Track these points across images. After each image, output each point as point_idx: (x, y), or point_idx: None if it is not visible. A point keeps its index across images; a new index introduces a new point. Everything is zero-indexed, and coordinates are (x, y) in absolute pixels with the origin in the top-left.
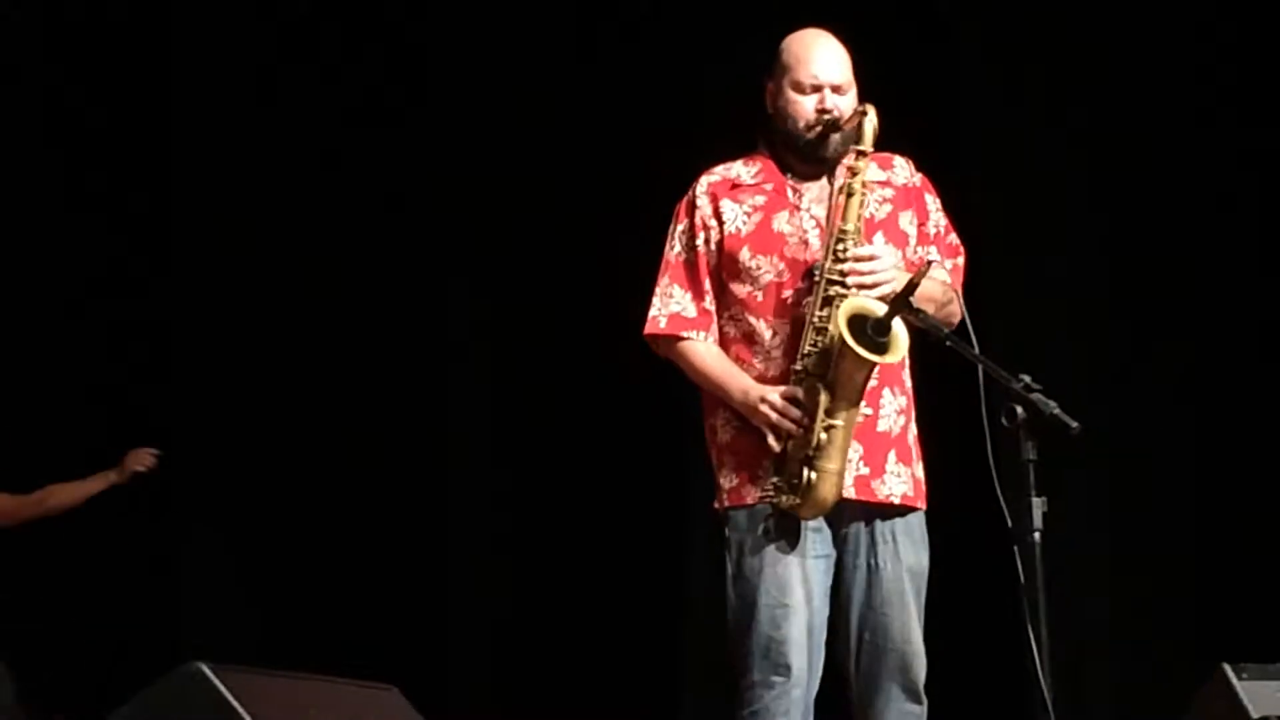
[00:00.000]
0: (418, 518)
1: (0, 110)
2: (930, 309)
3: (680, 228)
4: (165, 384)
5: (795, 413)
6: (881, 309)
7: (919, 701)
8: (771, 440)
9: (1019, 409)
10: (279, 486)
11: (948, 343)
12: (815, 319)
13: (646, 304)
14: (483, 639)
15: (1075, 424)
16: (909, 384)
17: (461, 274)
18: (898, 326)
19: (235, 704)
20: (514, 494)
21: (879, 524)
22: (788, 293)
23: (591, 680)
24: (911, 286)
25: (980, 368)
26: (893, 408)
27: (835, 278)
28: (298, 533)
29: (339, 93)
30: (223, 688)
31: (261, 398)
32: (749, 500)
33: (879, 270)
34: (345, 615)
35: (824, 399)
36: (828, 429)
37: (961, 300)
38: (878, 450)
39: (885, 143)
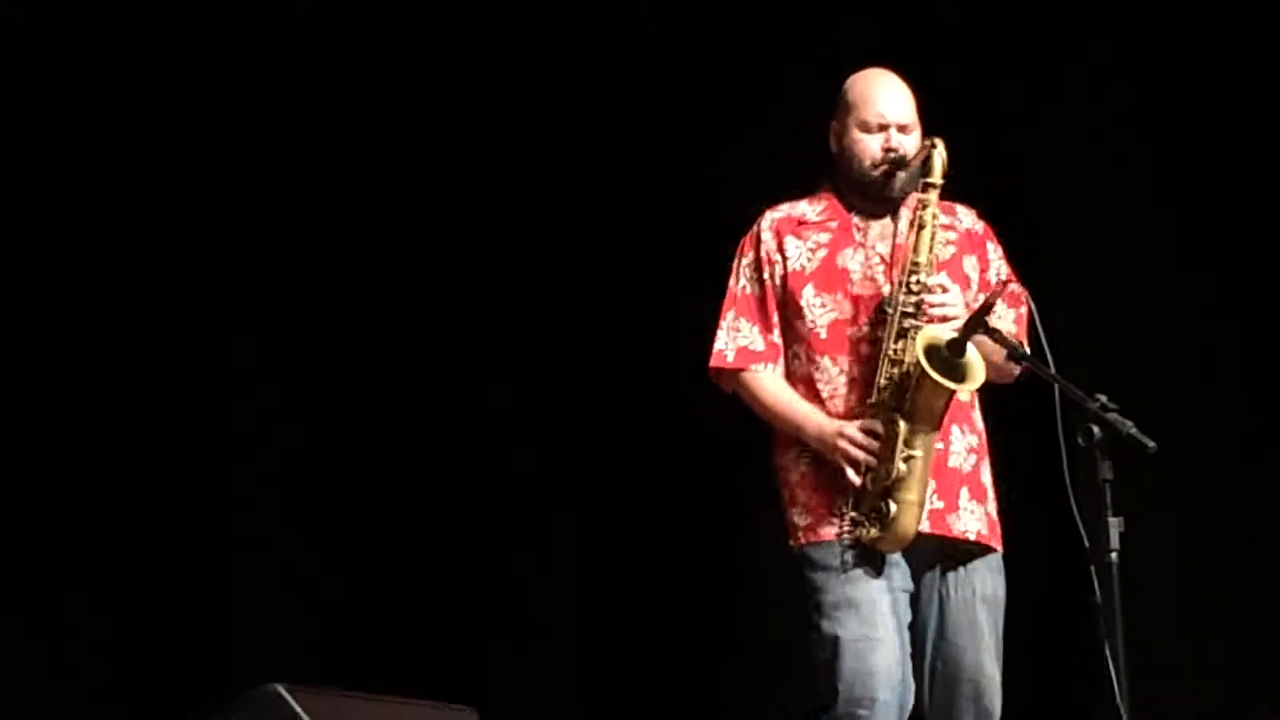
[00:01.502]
0: (495, 538)
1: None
2: (998, 359)
3: (745, 261)
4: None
5: (874, 444)
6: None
7: None
8: (850, 474)
9: (1095, 429)
10: (349, 501)
11: (1024, 361)
12: (891, 351)
13: (710, 339)
14: (563, 662)
15: (1152, 443)
16: (980, 424)
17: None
18: (974, 358)
19: None
20: (589, 516)
21: (953, 557)
22: (852, 330)
23: (667, 707)
24: (987, 306)
25: (1057, 388)
26: (962, 445)
27: (909, 310)
28: (371, 549)
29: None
30: (299, 708)
31: (329, 412)
32: (827, 536)
33: (950, 303)
34: (422, 635)
35: (903, 429)
36: (907, 459)
37: (1029, 346)
38: (951, 486)
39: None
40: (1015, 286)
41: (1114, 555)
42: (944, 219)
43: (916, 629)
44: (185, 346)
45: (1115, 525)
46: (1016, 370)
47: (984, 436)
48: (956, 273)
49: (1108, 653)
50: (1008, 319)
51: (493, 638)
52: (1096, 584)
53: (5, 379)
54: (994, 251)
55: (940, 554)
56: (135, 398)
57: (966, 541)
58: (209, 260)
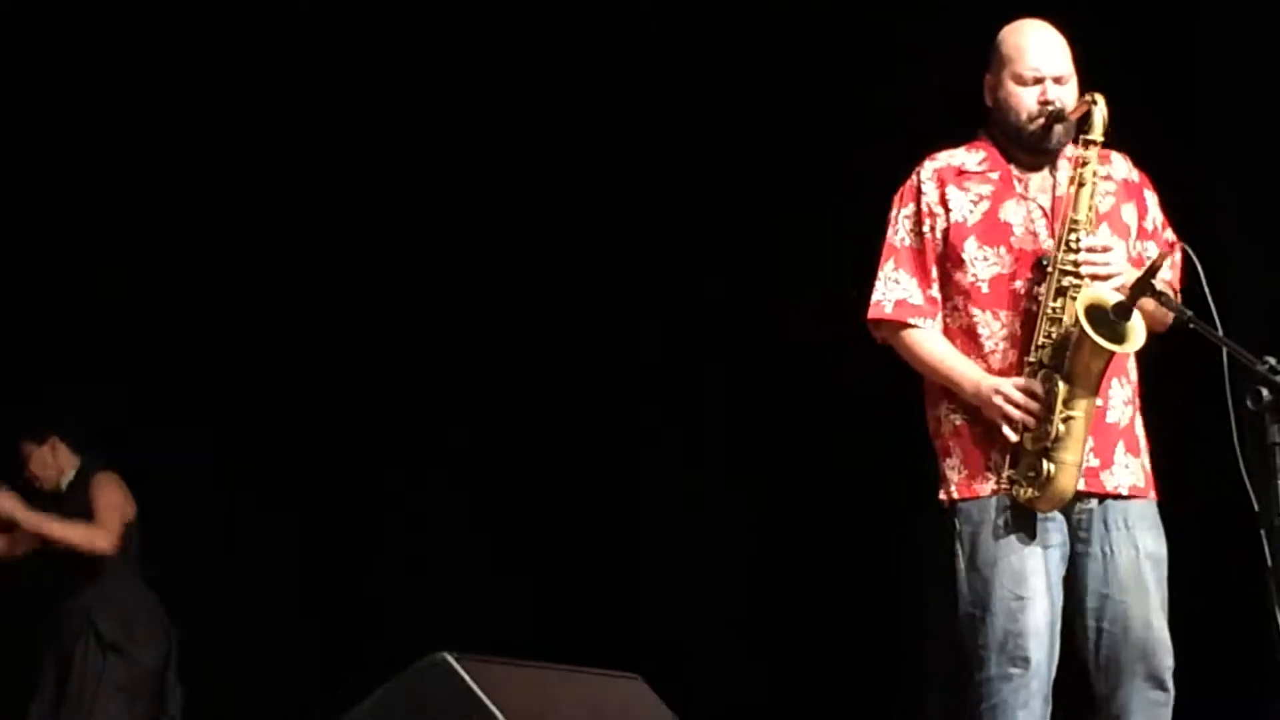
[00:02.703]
0: (664, 511)
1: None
2: (1162, 317)
3: (905, 212)
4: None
5: (1033, 404)
6: (1116, 298)
7: (1164, 689)
8: (1008, 432)
9: (1264, 391)
10: (521, 478)
11: (1191, 325)
12: (1049, 310)
13: (868, 288)
14: (727, 628)
15: None
16: (1134, 374)
17: (716, 274)
18: (1135, 318)
19: (481, 694)
20: (753, 491)
21: (1111, 513)
22: (1014, 284)
23: (830, 673)
24: (1153, 269)
25: (1225, 350)
26: (1120, 398)
27: (1068, 268)
28: (543, 523)
29: None
30: (468, 678)
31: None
32: (982, 492)
33: (1113, 261)
34: (592, 605)
35: (1062, 390)
36: (1066, 420)
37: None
38: (1107, 441)
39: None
40: (1169, 234)
41: None
42: (1101, 169)
43: (1078, 587)
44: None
45: None
46: (1171, 318)
47: (1137, 386)
48: (1116, 223)
49: (1278, 617)
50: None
51: (662, 606)
52: (1267, 549)
53: None
54: (1151, 199)
55: (1099, 510)
56: None
57: (1121, 497)
58: None
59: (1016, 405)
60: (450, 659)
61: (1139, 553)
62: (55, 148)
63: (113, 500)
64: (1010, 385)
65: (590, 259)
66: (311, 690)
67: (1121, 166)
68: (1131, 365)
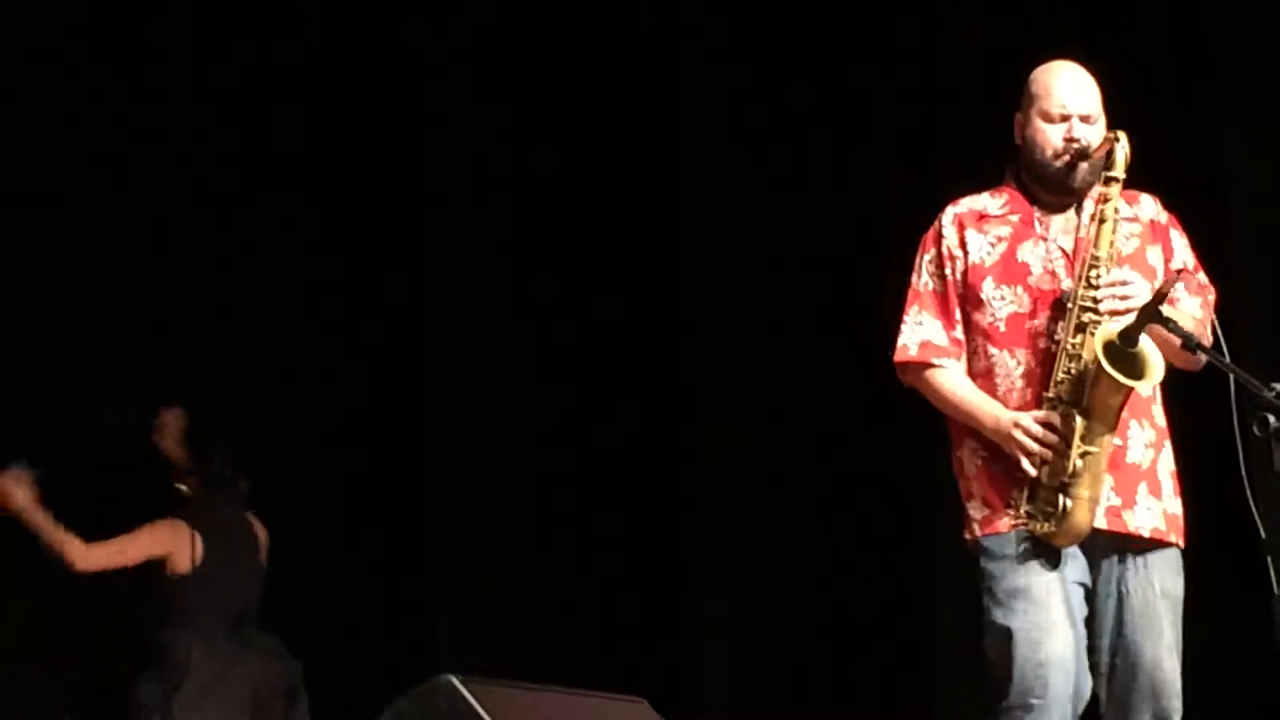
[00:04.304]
0: (666, 531)
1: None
2: (1174, 347)
3: (927, 257)
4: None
5: (1051, 437)
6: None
7: None
8: (1026, 465)
9: (1271, 418)
10: (527, 495)
11: (1199, 351)
12: (1069, 346)
13: (894, 333)
14: (734, 653)
15: None
16: (1161, 419)
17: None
18: (1153, 353)
19: (485, 716)
20: (759, 510)
21: (1130, 552)
22: (1031, 323)
23: (842, 699)
24: (1160, 295)
25: (1232, 377)
26: (1140, 440)
27: (1088, 304)
28: (544, 544)
29: None
30: (473, 700)
31: (512, 410)
32: (1002, 529)
33: (1132, 296)
34: (593, 627)
35: (1080, 425)
36: (1084, 455)
37: (1210, 337)
38: (1129, 481)
39: (1133, 173)
40: (1201, 277)
41: None
42: (1127, 210)
43: (1094, 624)
44: None
45: None
46: (1199, 357)
47: (1165, 431)
48: (1141, 264)
49: None
50: (1192, 305)
51: (666, 628)
52: (1274, 577)
53: None
54: (1178, 239)
55: (1118, 549)
56: None
57: (1143, 538)
58: None
59: (1035, 438)
60: (455, 680)
61: (1155, 592)
62: None
63: (146, 536)
64: (1029, 419)
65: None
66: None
67: (1150, 208)
68: (1158, 410)
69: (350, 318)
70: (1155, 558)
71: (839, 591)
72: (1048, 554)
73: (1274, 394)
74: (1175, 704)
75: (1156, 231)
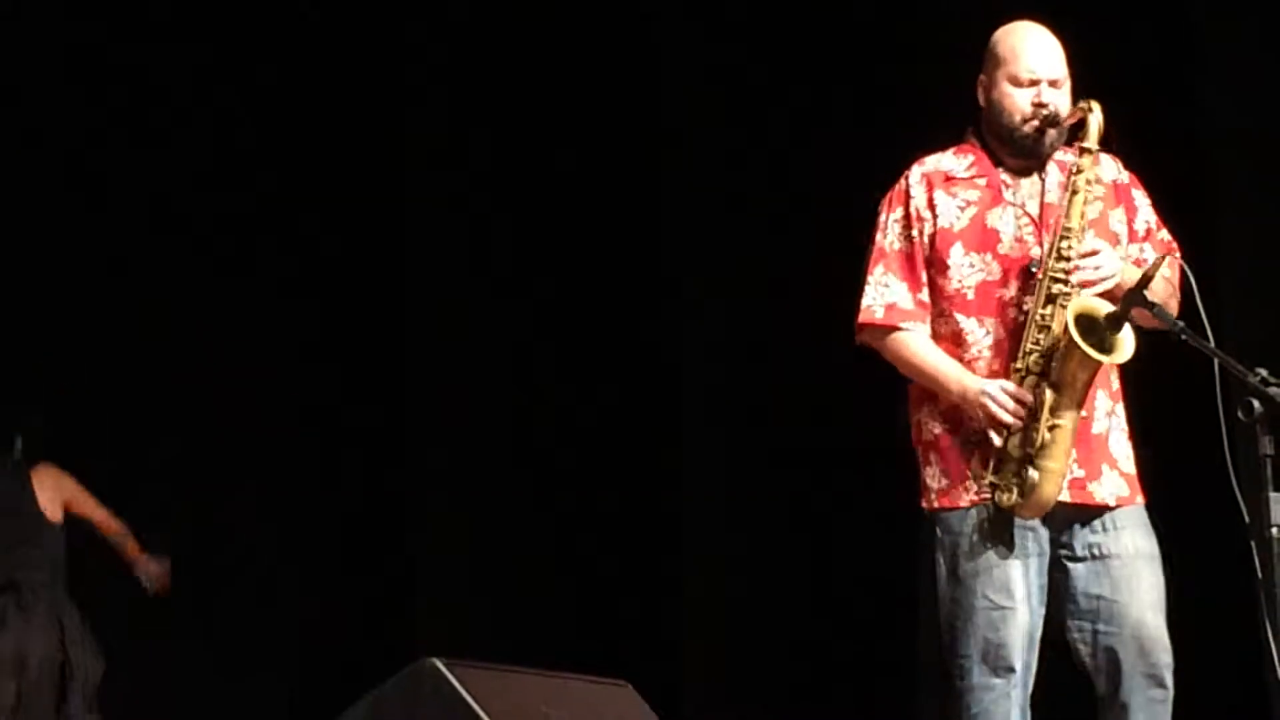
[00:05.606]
0: (652, 514)
1: None
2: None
3: (894, 216)
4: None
5: (1019, 408)
6: (1107, 308)
7: (1164, 686)
8: (992, 434)
9: (1256, 403)
10: (512, 484)
11: (1183, 337)
12: (1038, 317)
13: (857, 293)
14: (716, 635)
15: None
16: (1115, 384)
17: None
18: (1124, 329)
19: (470, 700)
20: (744, 490)
21: (1097, 519)
22: (1001, 291)
23: (823, 677)
24: (1145, 280)
25: (1216, 362)
26: (1103, 409)
27: (1059, 275)
28: (530, 528)
29: None
30: (457, 684)
31: (495, 398)
32: (962, 503)
33: (1104, 267)
34: (578, 611)
35: (1049, 398)
36: (1052, 428)
37: (1179, 297)
38: (1092, 452)
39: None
40: (1164, 234)
41: (1275, 531)
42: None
43: (1065, 594)
44: None
45: (1276, 501)
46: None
47: (1120, 393)
48: (1104, 230)
49: (1269, 631)
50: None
51: (650, 611)
52: (1257, 561)
53: None
54: (1141, 199)
55: (1082, 517)
56: None
57: (1109, 507)
58: None
59: (1004, 408)
60: (439, 664)
61: (1129, 552)
62: None
63: None
64: (997, 387)
65: None
66: (300, 692)
67: (1110, 168)
68: (1113, 375)
69: (329, 308)
70: (1123, 517)
71: (823, 578)
72: (1007, 531)
73: (1259, 379)
74: (1166, 659)
75: (1119, 193)
